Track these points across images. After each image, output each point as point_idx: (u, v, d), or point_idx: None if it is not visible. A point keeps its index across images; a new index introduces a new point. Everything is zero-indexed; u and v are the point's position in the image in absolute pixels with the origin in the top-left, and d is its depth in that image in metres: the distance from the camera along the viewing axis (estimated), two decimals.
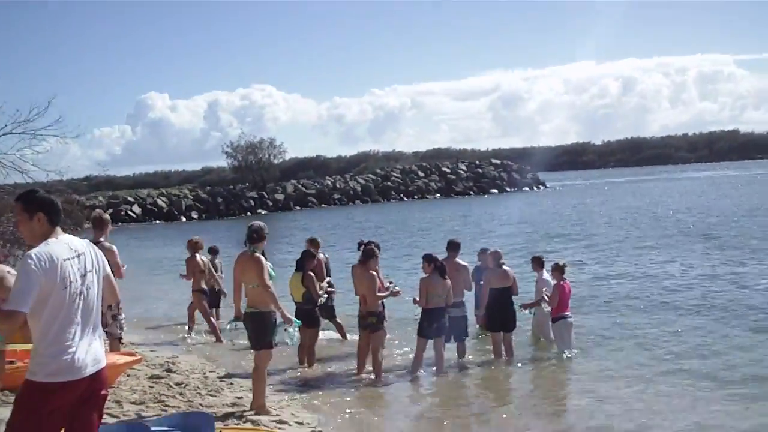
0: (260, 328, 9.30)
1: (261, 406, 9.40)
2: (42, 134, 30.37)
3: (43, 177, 29.46)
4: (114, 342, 10.75)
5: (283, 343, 9.72)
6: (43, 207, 5.07)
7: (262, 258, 9.36)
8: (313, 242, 14.24)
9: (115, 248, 10.61)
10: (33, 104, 23.94)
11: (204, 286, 15.51)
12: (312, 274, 12.63)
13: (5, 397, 8.78)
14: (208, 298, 15.69)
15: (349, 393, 11.20)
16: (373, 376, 11.79)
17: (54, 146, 25.32)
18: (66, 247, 5.04)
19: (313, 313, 12.61)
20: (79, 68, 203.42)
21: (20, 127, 30.42)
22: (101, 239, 10.63)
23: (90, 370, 5.06)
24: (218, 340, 15.24)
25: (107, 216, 11.30)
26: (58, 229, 5.13)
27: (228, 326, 10.84)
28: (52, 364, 4.90)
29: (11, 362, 8.98)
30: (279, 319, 9.39)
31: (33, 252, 4.91)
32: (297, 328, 9.78)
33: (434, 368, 12.20)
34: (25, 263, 4.84)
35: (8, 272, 7.78)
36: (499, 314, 12.83)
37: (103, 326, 11.22)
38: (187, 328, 16.15)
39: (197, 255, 15.56)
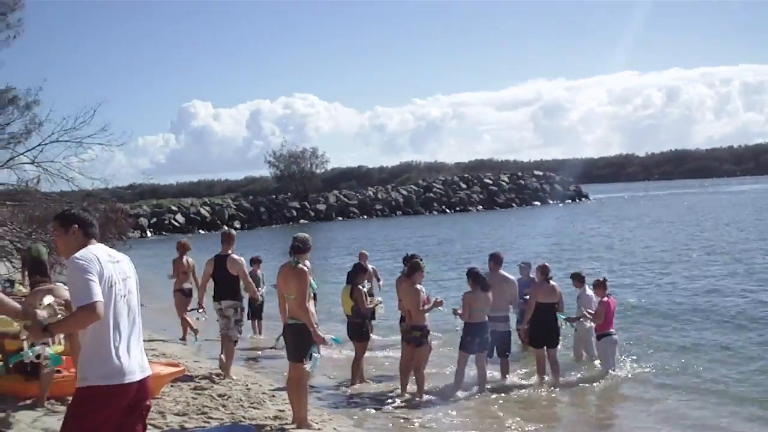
0: (301, 340, 9.17)
1: (302, 419, 9.32)
2: (88, 142, 30.61)
3: (88, 185, 29.76)
4: (229, 344, 12.13)
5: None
6: (78, 220, 5.22)
7: (306, 270, 9.29)
8: (362, 255, 14.55)
9: (243, 260, 12.23)
10: (79, 112, 24.25)
11: (185, 286, 16.18)
12: (361, 288, 12.53)
13: (51, 406, 8.84)
14: (188, 298, 16.22)
15: (391, 410, 11.12)
16: (415, 392, 11.69)
17: (99, 154, 25.54)
18: (104, 252, 5.18)
19: (362, 326, 12.53)
20: (125, 77, 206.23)
21: (66, 135, 30.72)
22: (229, 252, 12.10)
23: (138, 376, 5.13)
24: (183, 338, 16.43)
25: (234, 231, 12.74)
26: (93, 241, 5.25)
27: (277, 341, 10.91)
28: (103, 368, 4.95)
29: (57, 371, 9.04)
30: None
31: (76, 255, 5.04)
32: (333, 345, 9.74)
33: (476, 386, 12.08)
34: (74, 264, 4.96)
35: (59, 284, 7.88)
36: (543, 330, 12.65)
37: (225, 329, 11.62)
38: (184, 332, 16.63)
39: (184, 256, 16.21)
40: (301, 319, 9.10)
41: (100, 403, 4.95)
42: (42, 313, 5.24)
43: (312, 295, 9.47)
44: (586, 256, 32.60)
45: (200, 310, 12.93)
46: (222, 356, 12.26)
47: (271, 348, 13.22)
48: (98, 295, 4.90)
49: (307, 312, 9.06)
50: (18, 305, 5.07)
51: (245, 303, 13.53)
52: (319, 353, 9.34)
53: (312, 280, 9.45)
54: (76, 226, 5.18)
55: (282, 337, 9.69)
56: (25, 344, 5.21)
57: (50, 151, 32.77)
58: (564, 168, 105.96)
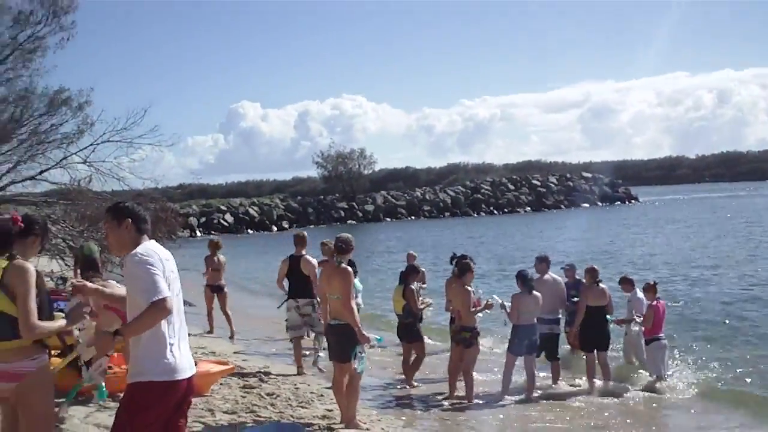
0: (345, 340, 9.15)
1: (351, 419, 9.31)
2: (138, 142, 31.09)
3: (139, 184, 30.17)
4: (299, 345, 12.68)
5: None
6: (131, 214, 5.21)
7: (350, 270, 9.29)
8: (410, 256, 14.57)
9: (315, 261, 12.49)
10: (130, 113, 24.59)
11: (215, 283, 16.78)
12: (413, 288, 12.46)
13: (103, 402, 8.92)
14: (221, 294, 16.90)
15: (440, 412, 11.06)
16: (464, 394, 11.62)
17: (149, 154, 25.90)
18: (159, 249, 5.21)
19: (413, 326, 12.48)
20: (175, 77, 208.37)
21: (117, 135, 31.24)
22: (303, 253, 12.52)
23: (188, 373, 5.17)
24: (210, 331, 16.95)
25: (305, 233, 13.00)
26: (146, 237, 5.25)
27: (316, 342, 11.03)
28: (160, 363, 4.98)
29: (109, 367, 9.13)
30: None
31: (137, 250, 5.06)
32: (376, 344, 9.73)
33: (524, 389, 11.96)
34: (138, 260, 4.99)
35: (111, 282, 7.94)
36: (593, 333, 12.47)
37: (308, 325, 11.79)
38: (211, 327, 17.18)
39: (216, 254, 16.85)
40: (345, 319, 9.07)
41: (155, 398, 4.97)
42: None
43: (356, 295, 9.49)
44: (632, 259, 32.23)
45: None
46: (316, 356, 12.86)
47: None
48: (167, 290, 4.94)
49: (351, 312, 9.03)
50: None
51: None
52: (364, 353, 9.36)
53: (356, 281, 9.47)
54: (129, 220, 5.18)
55: (317, 338, 9.75)
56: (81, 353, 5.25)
57: (102, 151, 33.17)
58: (622, 170, 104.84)
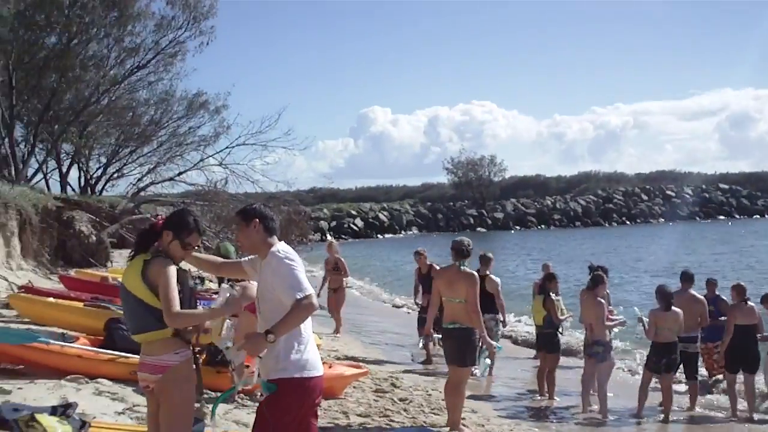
0: (465, 344, 9.12)
1: (455, 422, 9.24)
2: (272, 145, 32.10)
3: (272, 187, 30.93)
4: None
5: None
6: (258, 215, 5.32)
7: (476, 274, 9.31)
8: (546, 266, 14.49)
9: (498, 280, 13.08)
10: (264, 117, 25.16)
11: (337, 285, 16.86)
12: (554, 298, 12.26)
13: (241, 400, 9.11)
14: (339, 295, 16.99)
15: (573, 426, 10.87)
16: (597, 408, 11.37)
17: (282, 157, 26.51)
18: (291, 249, 5.29)
19: (553, 337, 12.29)
20: (308, 82, 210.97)
21: (252, 138, 32.22)
22: (487, 272, 12.79)
23: (322, 371, 5.27)
24: (337, 332, 16.90)
25: (491, 254, 13.31)
26: (275, 237, 5.34)
27: (421, 345, 11.05)
28: (301, 360, 5.07)
29: (246, 366, 9.30)
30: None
31: (278, 248, 5.19)
32: (496, 352, 9.65)
33: (660, 408, 11.57)
34: (281, 257, 5.11)
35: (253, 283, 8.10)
36: (740, 353, 11.87)
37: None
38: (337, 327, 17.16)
39: (335, 257, 16.91)
40: (466, 323, 9.07)
41: (297, 395, 5.06)
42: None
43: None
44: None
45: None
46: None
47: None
48: (310, 287, 5.05)
49: (479, 316, 9.05)
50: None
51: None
52: (488, 358, 9.32)
53: None
54: (257, 220, 5.28)
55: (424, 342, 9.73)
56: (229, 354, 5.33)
57: (236, 154, 34.30)
58: (763, 181, 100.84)
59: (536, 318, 12.51)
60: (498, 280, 13.18)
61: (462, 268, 9.23)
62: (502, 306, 12.98)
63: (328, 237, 71.42)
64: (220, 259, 6.36)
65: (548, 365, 12.28)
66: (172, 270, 5.24)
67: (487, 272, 12.91)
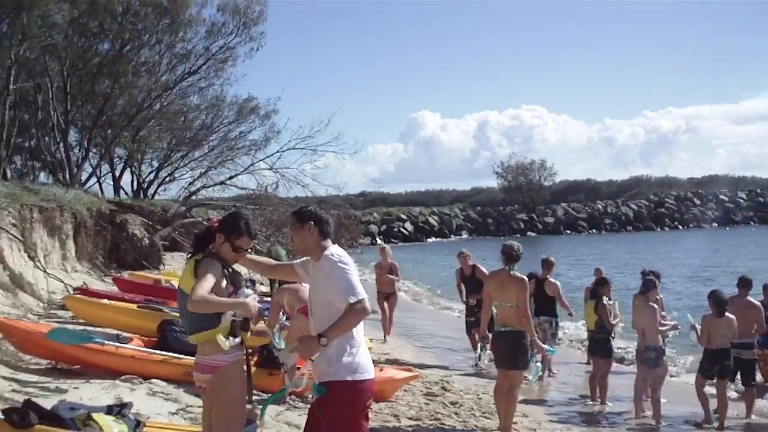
0: (517, 347, 9.10)
1: (507, 427, 9.21)
2: (322, 150, 32.30)
3: (321, 191, 31.08)
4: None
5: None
6: (313, 218, 5.33)
7: (526, 279, 9.29)
8: (598, 271, 14.43)
9: (558, 284, 13.71)
10: (314, 122, 25.32)
11: (388, 289, 16.77)
12: (606, 303, 12.12)
13: (292, 402, 9.15)
14: (391, 298, 16.85)
15: None
16: (650, 414, 11.22)
17: (331, 162, 26.62)
18: (345, 253, 5.30)
19: (606, 342, 12.14)
20: (357, 87, 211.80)
21: (302, 143, 32.45)
22: (548, 276, 13.51)
23: (374, 374, 5.27)
24: (387, 334, 16.80)
25: (553, 259, 14.02)
26: (329, 240, 5.35)
27: (480, 351, 10.99)
28: (353, 363, 5.08)
29: (297, 368, 9.34)
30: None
31: (332, 252, 5.21)
32: (549, 355, 9.61)
33: (715, 415, 11.34)
34: (335, 260, 5.13)
35: (306, 285, 8.16)
36: None
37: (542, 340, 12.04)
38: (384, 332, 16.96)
39: (387, 260, 16.75)
40: (517, 326, 9.06)
41: (349, 397, 5.06)
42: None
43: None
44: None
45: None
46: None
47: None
48: (364, 292, 5.06)
49: (529, 320, 9.05)
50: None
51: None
52: (538, 361, 9.28)
53: None
54: (312, 222, 5.30)
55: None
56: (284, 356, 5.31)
57: (287, 158, 34.56)
58: None
59: (588, 322, 12.39)
60: (558, 283, 13.71)
61: (512, 272, 9.23)
62: (565, 306, 13.75)
63: (378, 241, 71.78)
64: (273, 261, 6.39)
65: (600, 370, 12.15)
66: (214, 265, 5.27)
67: (548, 276, 13.49)
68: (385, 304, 16.68)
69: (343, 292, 5.00)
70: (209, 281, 5.11)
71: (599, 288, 12.32)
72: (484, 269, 13.94)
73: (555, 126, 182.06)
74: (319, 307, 5.21)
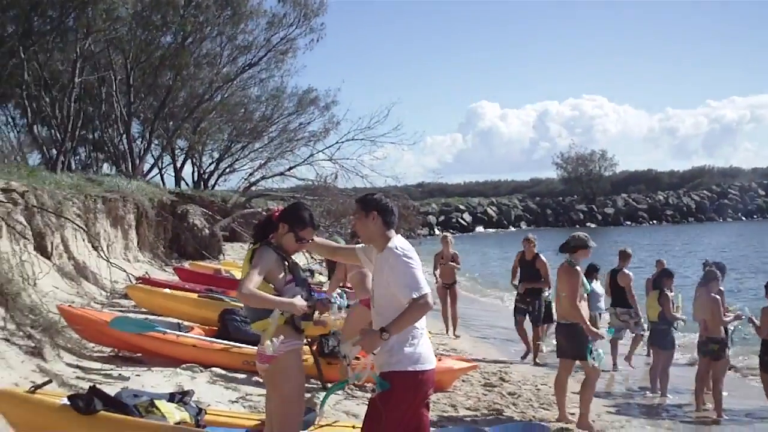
0: (574, 338, 9.19)
1: (583, 415, 9.24)
2: (381, 141, 32.39)
3: (380, 182, 31.14)
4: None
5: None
6: (378, 207, 5.33)
7: (577, 270, 9.27)
8: (659, 263, 14.38)
9: (631, 275, 13.90)
10: (373, 113, 25.37)
11: (450, 280, 16.28)
12: (668, 293, 12.01)
13: (351, 390, 9.20)
14: (450, 289, 16.36)
15: (686, 425, 10.54)
16: (711, 407, 11.05)
17: (390, 153, 26.68)
18: (408, 243, 5.32)
19: (667, 333, 12.03)
20: (415, 77, 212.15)
21: (361, 134, 32.55)
22: (623, 267, 13.90)
23: (434, 364, 5.29)
24: (447, 331, 16.34)
25: (630, 250, 14.38)
26: (393, 231, 5.36)
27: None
28: (415, 353, 5.10)
29: (356, 358, 9.39)
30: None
31: (397, 243, 5.23)
32: (609, 336, 9.57)
33: None
34: (399, 253, 5.15)
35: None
36: None
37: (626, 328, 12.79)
38: (446, 326, 16.54)
39: (449, 250, 16.24)
40: (570, 318, 9.16)
41: (410, 387, 5.08)
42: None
43: (584, 295, 9.49)
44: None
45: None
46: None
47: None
48: (427, 286, 5.07)
49: (577, 309, 9.07)
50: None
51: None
52: (599, 348, 9.25)
53: (585, 280, 9.44)
54: (376, 212, 5.31)
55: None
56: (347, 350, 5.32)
57: (346, 149, 34.73)
58: None
59: (650, 314, 12.25)
60: (631, 274, 13.92)
61: (566, 262, 9.34)
62: (633, 298, 13.74)
63: (436, 231, 71.70)
64: (335, 244, 6.43)
65: (661, 362, 12.01)
66: (268, 255, 5.33)
67: (623, 267, 13.85)
68: (447, 297, 16.30)
69: (406, 287, 5.02)
70: (260, 273, 5.18)
71: (662, 279, 12.19)
72: (545, 260, 13.76)
73: (616, 116, 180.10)
74: (382, 299, 5.24)
